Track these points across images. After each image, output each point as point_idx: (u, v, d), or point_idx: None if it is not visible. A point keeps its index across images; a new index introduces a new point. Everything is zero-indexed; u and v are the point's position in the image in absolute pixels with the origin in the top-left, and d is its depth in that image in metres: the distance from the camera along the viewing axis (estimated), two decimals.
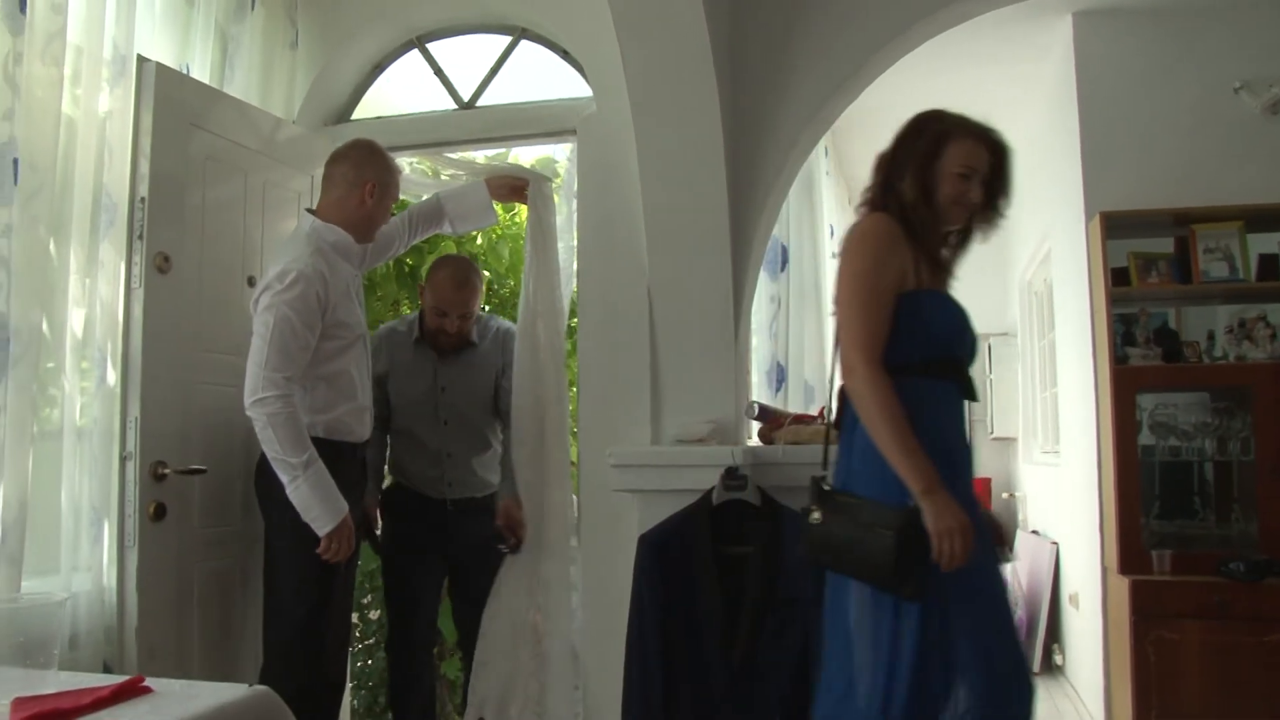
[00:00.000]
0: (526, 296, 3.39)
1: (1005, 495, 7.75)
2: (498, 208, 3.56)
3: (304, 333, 2.77)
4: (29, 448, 2.48)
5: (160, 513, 2.84)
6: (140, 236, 2.84)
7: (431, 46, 3.80)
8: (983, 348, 5.85)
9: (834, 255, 5.44)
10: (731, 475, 2.85)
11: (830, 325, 5.29)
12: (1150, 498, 3.98)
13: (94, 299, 2.76)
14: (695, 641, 2.77)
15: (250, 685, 1.81)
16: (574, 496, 3.42)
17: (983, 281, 4.61)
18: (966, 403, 2.37)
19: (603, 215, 3.38)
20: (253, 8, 3.42)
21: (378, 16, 3.72)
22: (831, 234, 5.46)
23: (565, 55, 3.61)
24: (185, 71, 3.16)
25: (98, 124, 2.78)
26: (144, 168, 2.84)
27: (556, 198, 3.51)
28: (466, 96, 3.75)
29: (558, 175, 3.84)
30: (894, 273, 2.29)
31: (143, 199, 2.84)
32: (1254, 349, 3.92)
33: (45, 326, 2.60)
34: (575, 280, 3.54)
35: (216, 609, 3.07)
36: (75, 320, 2.71)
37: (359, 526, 2.98)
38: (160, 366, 2.87)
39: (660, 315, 3.27)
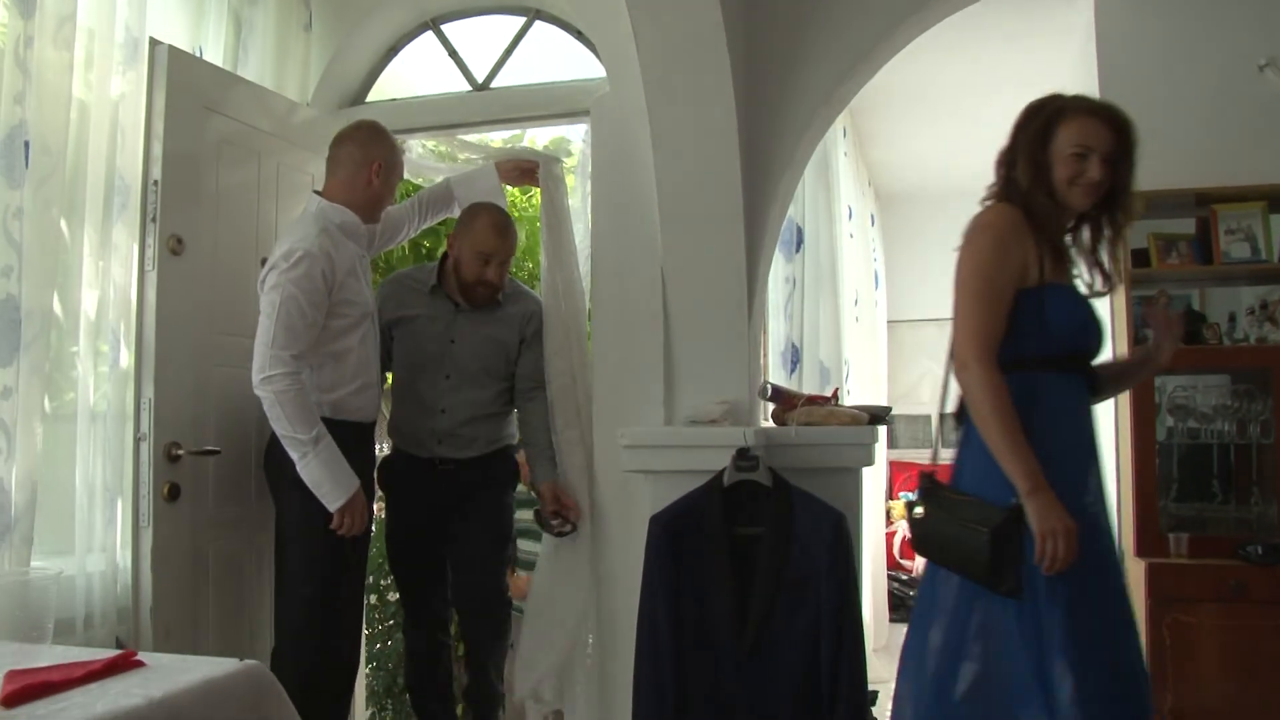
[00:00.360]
0: (549, 278, 3.38)
1: None
2: (513, 191, 3.54)
3: (310, 311, 2.79)
4: (42, 429, 2.49)
5: (174, 493, 2.87)
6: (153, 219, 2.86)
7: (446, 28, 3.80)
8: None
9: (850, 237, 5.42)
10: (743, 456, 2.84)
11: (846, 308, 5.30)
12: (1168, 480, 3.93)
13: (107, 281, 2.77)
14: (706, 622, 2.77)
15: (241, 659, 1.82)
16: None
17: None
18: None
19: (616, 196, 3.36)
20: None
21: None
22: (850, 215, 5.43)
23: (579, 36, 3.60)
24: (199, 54, 3.17)
25: (110, 107, 2.78)
26: (156, 150, 2.86)
27: (571, 178, 3.49)
28: (481, 78, 3.74)
29: (571, 155, 3.82)
30: (1014, 265, 2.23)
31: (156, 182, 2.86)
32: (1276, 331, 3.85)
33: (59, 309, 2.62)
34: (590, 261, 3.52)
35: (231, 589, 3.10)
36: (89, 303, 2.72)
37: (371, 503, 2.99)
38: (174, 348, 2.89)
39: (674, 296, 3.25)
